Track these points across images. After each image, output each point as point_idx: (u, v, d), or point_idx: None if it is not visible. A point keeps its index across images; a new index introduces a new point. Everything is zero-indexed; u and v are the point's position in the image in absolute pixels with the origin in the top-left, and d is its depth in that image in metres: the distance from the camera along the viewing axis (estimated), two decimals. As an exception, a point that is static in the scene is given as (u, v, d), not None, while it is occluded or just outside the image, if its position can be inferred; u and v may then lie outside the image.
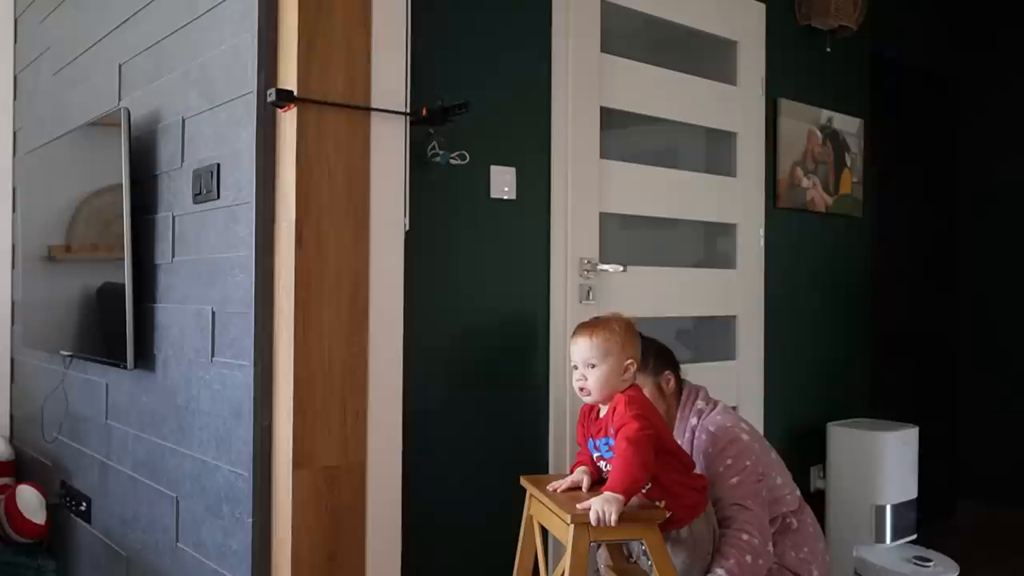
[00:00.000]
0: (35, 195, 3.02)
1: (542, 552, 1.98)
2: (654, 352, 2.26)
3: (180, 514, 2.22)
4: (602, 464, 1.89)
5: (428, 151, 2.21)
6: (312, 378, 1.89)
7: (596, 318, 1.97)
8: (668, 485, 1.86)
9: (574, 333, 1.94)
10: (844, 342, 3.59)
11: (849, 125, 3.60)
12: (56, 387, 2.87)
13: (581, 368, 1.89)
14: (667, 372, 2.26)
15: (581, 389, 1.90)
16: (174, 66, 2.28)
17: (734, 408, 2.82)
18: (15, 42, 3.44)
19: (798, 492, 2.27)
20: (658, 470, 1.81)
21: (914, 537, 3.24)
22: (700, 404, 2.24)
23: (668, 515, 1.81)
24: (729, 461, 2.09)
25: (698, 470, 2.09)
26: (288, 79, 1.89)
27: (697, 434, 2.20)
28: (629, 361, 1.88)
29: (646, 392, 2.20)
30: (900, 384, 3.93)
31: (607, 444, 1.86)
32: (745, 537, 2.00)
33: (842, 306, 3.59)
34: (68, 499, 2.86)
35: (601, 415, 1.90)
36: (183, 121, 2.23)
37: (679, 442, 2.19)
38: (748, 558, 1.98)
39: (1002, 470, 4.13)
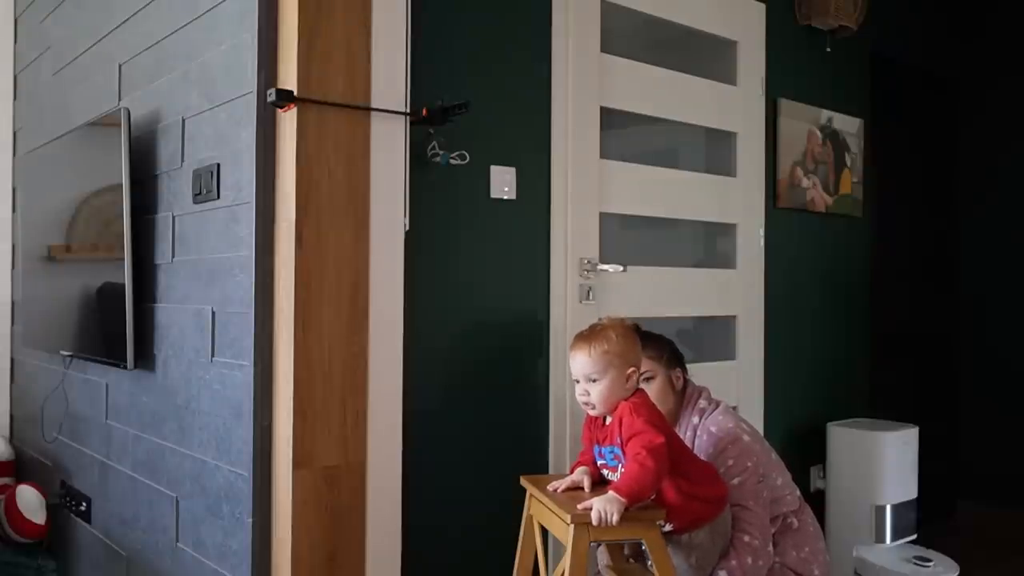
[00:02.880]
0: (35, 195, 3.02)
1: (542, 552, 1.97)
2: (669, 349, 2.29)
3: (180, 514, 2.22)
4: (605, 472, 1.89)
5: (428, 151, 2.21)
6: (312, 378, 1.89)
7: (593, 327, 1.92)
8: (670, 494, 1.84)
9: (572, 346, 1.90)
10: (844, 342, 3.59)
11: (849, 125, 3.60)
12: (56, 387, 2.87)
13: (583, 383, 1.86)
14: (678, 369, 2.28)
15: (585, 403, 1.87)
16: (174, 66, 2.28)
17: (734, 408, 2.82)
18: (15, 42, 3.44)
19: (798, 492, 2.28)
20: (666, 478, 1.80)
21: (914, 537, 3.24)
22: (703, 403, 2.25)
23: (664, 523, 1.81)
24: (731, 462, 2.09)
25: None
26: (288, 79, 1.89)
27: (698, 434, 2.20)
28: (631, 370, 1.85)
29: (658, 385, 2.21)
30: (900, 384, 3.93)
31: (612, 453, 1.85)
32: (746, 539, 2.00)
33: (842, 306, 3.59)
34: (68, 499, 2.86)
35: (607, 422, 1.89)
36: (183, 121, 2.23)
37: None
38: (749, 559, 1.99)
39: (1002, 470, 4.13)
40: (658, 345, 2.26)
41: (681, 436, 2.19)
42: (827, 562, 2.24)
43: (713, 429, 2.17)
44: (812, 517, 2.28)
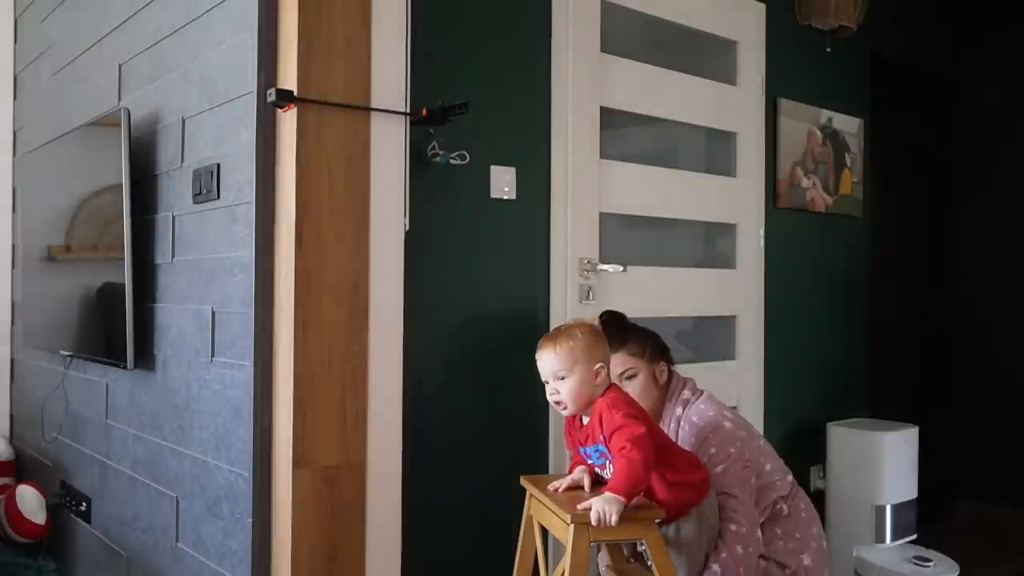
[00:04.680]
0: (35, 195, 3.02)
1: (542, 552, 1.97)
2: (651, 343, 2.27)
3: (180, 514, 2.22)
4: (596, 471, 1.89)
5: (428, 151, 2.22)
6: (312, 378, 1.89)
7: (558, 328, 1.92)
8: (658, 488, 1.84)
9: (538, 347, 1.89)
10: (844, 342, 3.59)
11: (849, 125, 3.60)
12: (56, 387, 2.86)
13: (552, 382, 1.86)
14: (662, 362, 2.27)
15: (557, 403, 1.87)
16: (174, 66, 2.28)
17: (734, 408, 2.82)
18: (15, 42, 3.44)
19: (790, 477, 2.22)
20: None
21: (914, 537, 3.24)
22: (686, 394, 2.23)
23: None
24: (713, 450, 2.07)
25: None
26: (288, 79, 1.89)
27: (681, 424, 2.19)
28: (599, 365, 1.84)
29: (640, 381, 2.21)
30: (900, 384, 3.93)
31: (597, 451, 1.85)
32: (734, 527, 1.98)
33: (842, 306, 3.58)
34: (68, 499, 2.86)
35: (585, 422, 1.88)
36: (183, 121, 2.23)
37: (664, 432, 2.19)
38: (739, 548, 1.96)
39: (1002, 470, 4.13)
40: (640, 339, 2.25)
41: (665, 428, 2.19)
42: (822, 549, 2.17)
43: (695, 419, 2.16)
44: (807, 502, 2.23)
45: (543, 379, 1.89)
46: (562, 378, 1.84)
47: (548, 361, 1.86)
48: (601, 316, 2.34)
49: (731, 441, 2.09)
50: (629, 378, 2.21)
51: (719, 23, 3.09)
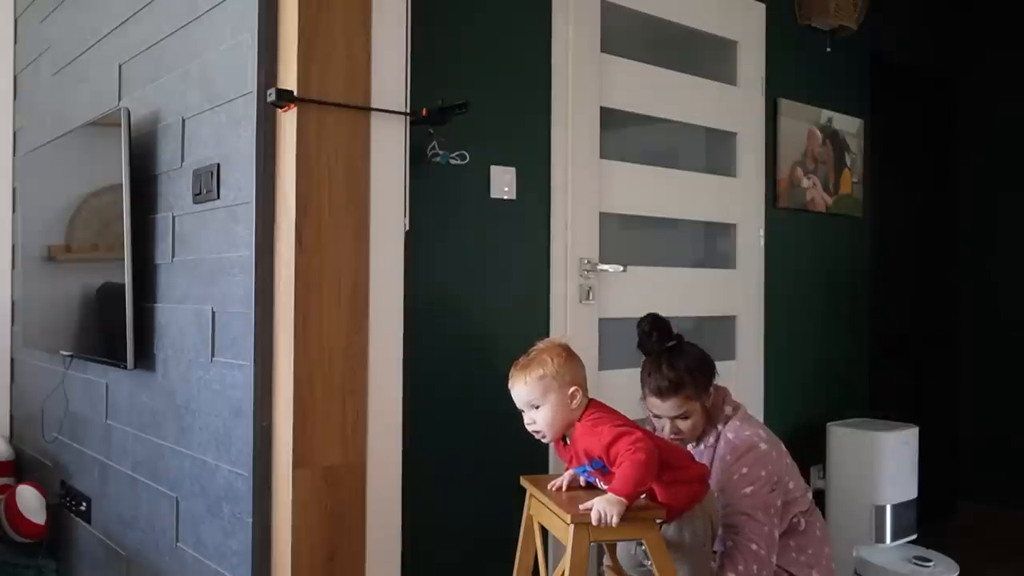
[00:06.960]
0: (35, 195, 3.02)
1: (542, 552, 1.98)
2: (701, 373, 2.15)
3: (180, 514, 2.22)
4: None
5: (428, 151, 2.21)
6: (312, 378, 1.89)
7: (528, 353, 1.89)
8: (659, 490, 1.83)
9: (510, 376, 1.87)
10: (844, 342, 3.59)
11: (849, 125, 3.60)
12: (56, 387, 2.86)
13: (527, 412, 1.85)
14: (709, 388, 2.18)
15: (535, 431, 1.86)
16: (174, 66, 2.28)
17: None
18: (15, 42, 3.44)
19: (810, 495, 2.25)
20: None
21: (914, 537, 3.24)
22: (728, 410, 2.21)
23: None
24: (745, 470, 2.07)
25: (714, 475, 2.08)
26: (288, 79, 1.89)
27: (719, 441, 2.18)
28: (573, 389, 1.82)
29: (694, 420, 2.14)
30: (900, 384, 3.92)
31: (585, 471, 1.86)
32: (754, 547, 2.00)
33: (842, 306, 3.58)
34: (68, 499, 2.86)
35: (567, 443, 1.88)
36: (183, 121, 2.23)
37: (702, 447, 2.19)
38: (755, 567, 1.99)
39: (1002, 470, 4.13)
40: (693, 379, 2.13)
41: (705, 443, 2.19)
42: (831, 569, 2.20)
43: (730, 435, 2.15)
44: (821, 521, 2.26)
45: (519, 407, 1.88)
46: (536, 407, 1.83)
47: (520, 392, 1.85)
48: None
49: (763, 463, 2.09)
50: (684, 419, 2.14)
51: (719, 23, 3.09)
